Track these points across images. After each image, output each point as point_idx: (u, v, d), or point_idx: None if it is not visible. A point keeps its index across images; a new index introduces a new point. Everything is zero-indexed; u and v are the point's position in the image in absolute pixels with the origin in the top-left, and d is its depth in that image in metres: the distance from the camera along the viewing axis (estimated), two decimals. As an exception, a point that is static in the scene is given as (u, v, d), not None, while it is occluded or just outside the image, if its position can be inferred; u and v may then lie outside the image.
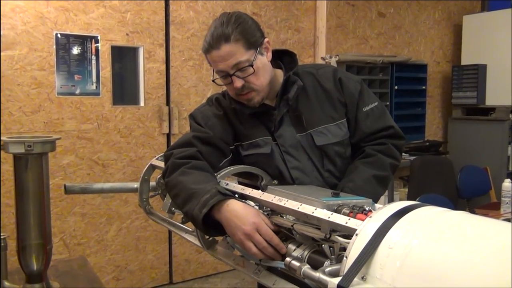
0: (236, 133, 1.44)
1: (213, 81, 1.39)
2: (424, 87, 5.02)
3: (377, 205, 0.97)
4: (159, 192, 1.69)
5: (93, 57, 3.20)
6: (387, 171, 1.42)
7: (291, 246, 1.03)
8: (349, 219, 0.87)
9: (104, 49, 3.24)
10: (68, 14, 3.09)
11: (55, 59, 3.07)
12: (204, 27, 3.63)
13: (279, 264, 1.03)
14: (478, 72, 4.88)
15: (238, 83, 1.33)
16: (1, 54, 2.89)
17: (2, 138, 1.46)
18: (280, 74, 1.46)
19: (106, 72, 3.26)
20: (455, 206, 3.61)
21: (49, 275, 1.59)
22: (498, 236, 0.69)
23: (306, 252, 0.99)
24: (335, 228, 0.90)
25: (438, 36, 5.28)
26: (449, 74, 5.25)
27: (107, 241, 3.36)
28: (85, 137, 3.23)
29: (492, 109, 4.91)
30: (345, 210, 0.91)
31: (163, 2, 3.45)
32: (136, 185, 1.70)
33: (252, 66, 1.32)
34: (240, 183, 1.41)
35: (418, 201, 0.88)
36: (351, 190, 1.29)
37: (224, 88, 1.47)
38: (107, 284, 3.29)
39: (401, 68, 4.71)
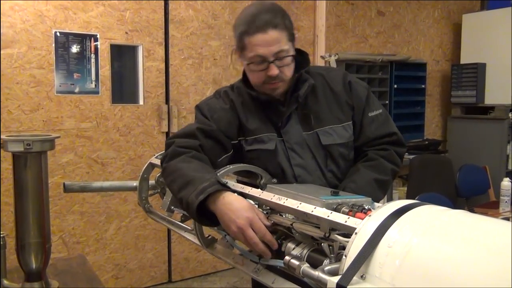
0: (241, 128, 1.44)
1: (248, 64, 1.35)
2: (423, 86, 5.02)
3: (376, 204, 0.97)
4: (158, 190, 1.69)
5: (92, 56, 3.20)
6: (388, 176, 1.44)
7: (290, 245, 1.03)
8: (349, 217, 0.87)
9: (103, 47, 3.24)
10: (67, 13, 3.09)
11: (54, 58, 3.07)
12: (204, 26, 3.63)
13: (279, 263, 1.03)
14: (477, 71, 4.88)
15: (275, 70, 1.33)
16: (1, 52, 2.88)
17: (1, 136, 1.46)
18: None
19: (105, 70, 3.26)
20: (454, 205, 3.62)
21: (48, 273, 1.59)
22: (498, 235, 0.69)
23: (305, 251, 0.99)
24: (334, 227, 0.90)
25: (437, 34, 5.28)
26: (449, 73, 5.25)
27: (106, 240, 3.36)
28: (84, 135, 3.22)
29: (491, 108, 4.91)
30: (345, 209, 0.91)
31: (162, 1, 3.45)
32: (135, 183, 1.70)
33: (293, 56, 1.35)
34: (238, 181, 1.41)
35: (417, 200, 0.88)
36: (352, 190, 1.29)
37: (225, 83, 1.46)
38: (106, 282, 3.29)
39: (401, 67, 4.71)
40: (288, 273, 1.00)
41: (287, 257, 0.97)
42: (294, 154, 1.42)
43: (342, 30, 4.47)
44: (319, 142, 1.42)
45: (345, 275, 0.75)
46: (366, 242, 0.76)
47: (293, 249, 1.01)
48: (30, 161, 1.45)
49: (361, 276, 0.75)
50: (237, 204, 1.10)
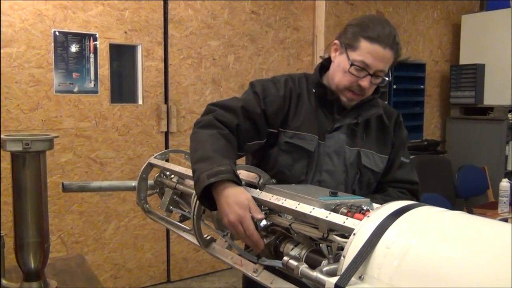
0: (285, 118, 1.45)
1: (351, 65, 1.36)
2: (422, 86, 5.02)
3: (375, 205, 0.97)
4: (157, 190, 1.69)
5: (92, 55, 3.20)
6: None
7: (289, 245, 1.03)
8: (347, 218, 0.87)
9: (103, 47, 3.23)
10: (67, 12, 3.09)
11: (53, 57, 3.07)
12: (203, 25, 3.63)
13: (277, 263, 1.03)
14: (476, 72, 4.89)
15: (367, 83, 1.37)
16: (0, 51, 2.88)
17: (0, 136, 1.45)
18: None
19: (105, 70, 3.26)
20: (453, 206, 3.62)
21: (47, 273, 1.59)
22: (497, 236, 0.69)
23: (303, 252, 0.99)
24: (332, 228, 0.90)
25: (436, 35, 5.29)
26: (448, 73, 5.25)
27: (105, 239, 3.36)
28: (83, 135, 3.22)
29: (490, 108, 4.91)
30: (343, 209, 0.91)
31: (161, 1, 3.45)
32: (134, 183, 1.69)
33: (388, 80, 1.40)
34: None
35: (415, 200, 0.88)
36: None
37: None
38: (104, 282, 3.29)
39: (400, 67, 4.70)
40: (286, 274, 1.00)
41: (285, 258, 0.97)
42: (328, 160, 1.44)
43: (342, 31, 4.47)
44: (357, 160, 1.46)
45: (343, 276, 0.75)
46: (365, 243, 0.76)
47: (292, 249, 1.01)
48: (29, 161, 1.45)
49: (359, 277, 0.74)
50: (233, 198, 1.10)
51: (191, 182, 1.41)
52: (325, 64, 1.53)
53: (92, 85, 3.22)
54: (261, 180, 1.37)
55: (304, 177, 1.43)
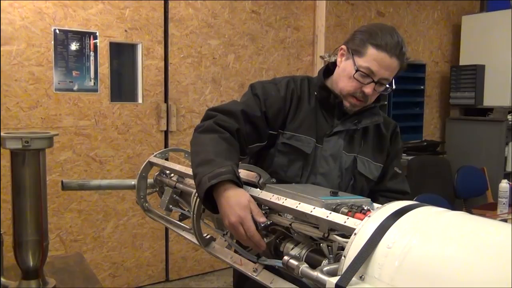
0: (285, 120, 1.45)
1: (356, 70, 1.37)
2: (422, 87, 5.02)
3: (375, 205, 0.97)
4: (157, 189, 1.68)
5: (91, 53, 3.19)
6: None
7: (289, 245, 1.03)
8: (348, 218, 0.86)
9: (103, 45, 3.23)
10: (67, 10, 3.08)
11: (53, 55, 3.06)
12: (203, 25, 3.63)
13: (277, 263, 1.02)
14: (476, 73, 4.89)
15: (371, 90, 1.38)
16: (0, 49, 2.88)
17: (-1, 133, 1.45)
18: None
19: (104, 68, 3.25)
20: (452, 206, 3.62)
21: (45, 271, 1.58)
22: (498, 236, 0.69)
23: (304, 251, 0.98)
24: (333, 227, 0.90)
25: (437, 36, 5.28)
26: (448, 74, 5.25)
27: (103, 238, 3.35)
28: (83, 133, 3.22)
29: (490, 109, 4.92)
30: (344, 209, 0.91)
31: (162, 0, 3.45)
32: (133, 182, 1.69)
33: (391, 88, 1.44)
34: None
35: (415, 200, 0.88)
36: None
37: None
38: (103, 281, 3.29)
39: (400, 68, 4.70)
40: (286, 273, 1.00)
41: (285, 257, 0.96)
42: (324, 163, 1.45)
43: (342, 30, 4.47)
44: (353, 166, 1.48)
45: (344, 276, 0.74)
46: (365, 243, 0.76)
47: (292, 249, 1.01)
48: (28, 159, 1.45)
49: (360, 277, 0.74)
50: (234, 199, 1.09)
51: (191, 181, 1.41)
52: (330, 68, 1.53)
53: (92, 83, 3.22)
54: (261, 179, 1.37)
55: (299, 179, 1.44)
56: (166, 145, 3.54)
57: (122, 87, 3.52)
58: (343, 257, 0.79)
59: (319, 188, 1.26)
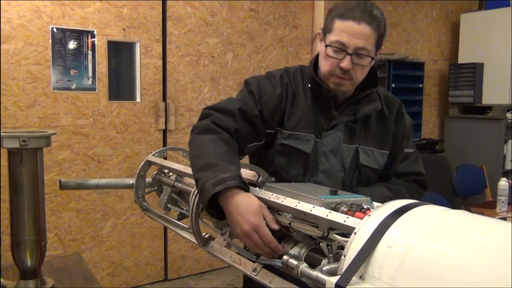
0: (283, 118, 1.41)
1: (326, 46, 1.32)
2: (421, 85, 5.01)
3: (375, 204, 0.96)
4: (155, 188, 1.68)
5: (89, 52, 3.18)
6: None
7: (289, 244, 1.02)
8: (348, 217, 0.86)
9: (101, 44, 3.22)
10: (65, 8, 3.07)
11: (51, 54, 3.05)
12: (202, 23, 3.62)
13: (277, 263, 1.02)
14: (475, 71, 4.88)
15: (348, 64, 1.30)
16: (-3, 48, 2.86)
17: (-4, 132, 1.44)
18: None
19: (102, 67, 3.24)
20: (451, 205, 3.62)
21: (44, 271, 1.58)
22: (498, 235, 0.68)
23: (303, 251, 0.98)
24: (333, 226, 0.89)
25: (435, 34, 5.28)
26: (446, 72, 5.25)
27: (102, 237, 3.35)
28: (81, 132, 3.21)
29: (489, 107, 4.91)
30: (343, 208, 0.90)
31: (160, -3, 3.43)
32: (132, 181, 1.68)
33: (372, 58, 1.32)
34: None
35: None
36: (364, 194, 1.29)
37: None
38: (102, 280, 3.28)
39: (398, 66, 4.70)
40: (286, 273, 1.00)
41: (285, 257, 0.96)
42: (325, 160, 1.40)
43: (340, 29, 4.46)
44: (356, 158, 1.42)
45: (344, 275, 0.74)
46: (365, 242, 0.76)
47: (291, 248, 1.00)
48: (26, 158, 1.44)
49: (360, 277, 0.74)
50: (245, 207, 1.06)
51: (190, 180, 1.40)
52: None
53: (90, 82, 3.21)
54: (260, 178, 1.36)
55: (301, 178, 1.41)
56: (164, 144, 3.53)
57: (120, 85, 3.51)
58: (343, 257, 0.78)
59: (319, 187, 1.26)
